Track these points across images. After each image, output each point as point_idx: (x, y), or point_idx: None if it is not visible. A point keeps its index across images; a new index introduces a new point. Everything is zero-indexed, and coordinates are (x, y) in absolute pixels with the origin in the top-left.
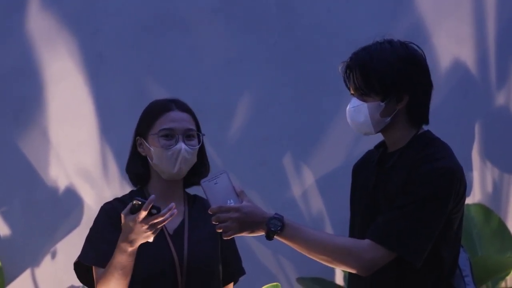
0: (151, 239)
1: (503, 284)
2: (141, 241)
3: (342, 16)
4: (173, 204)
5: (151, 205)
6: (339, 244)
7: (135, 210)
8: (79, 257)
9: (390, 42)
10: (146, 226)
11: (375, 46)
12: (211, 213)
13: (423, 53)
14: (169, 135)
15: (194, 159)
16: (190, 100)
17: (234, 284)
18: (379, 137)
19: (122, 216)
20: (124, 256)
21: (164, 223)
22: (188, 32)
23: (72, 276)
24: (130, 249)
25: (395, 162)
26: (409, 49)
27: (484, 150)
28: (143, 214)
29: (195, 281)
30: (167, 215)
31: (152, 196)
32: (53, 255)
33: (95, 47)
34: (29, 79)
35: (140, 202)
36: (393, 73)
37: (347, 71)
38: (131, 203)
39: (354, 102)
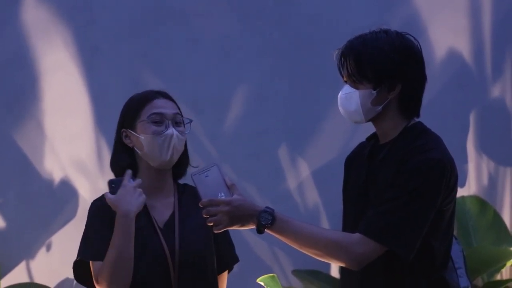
0: (141, 205)
1: (498, 276)
2: (135, 207)
3: (338, 7)
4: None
5: (129, 176)
6: (329, 238)
7: (116, 189)
8: (79, 255)
9: (386, 31)
10: (133, 186)
11: (370, 34)
12: (201, 206)
13: (419, 45)
14: (159, 121)
15: (183, 147)
16: (185, 92)
17: (229, 272)
18: (374, 129)
19: (110, 199)
20: (129, 231)
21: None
22: (184, 23)
23: (68, 268)
24: (128, 219)
25: (385, 154)
26: (405, 39)
27: (480, 142)
28: (128, 177)
29: (188, 273)
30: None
31: (129, 171)
32: (48, 248)
33: (90, 39)
34: (24, 70)
35: (116, 181)
36: (386, 61)
37: (342, 58)
38: (110, 184)
39: (346, 89)
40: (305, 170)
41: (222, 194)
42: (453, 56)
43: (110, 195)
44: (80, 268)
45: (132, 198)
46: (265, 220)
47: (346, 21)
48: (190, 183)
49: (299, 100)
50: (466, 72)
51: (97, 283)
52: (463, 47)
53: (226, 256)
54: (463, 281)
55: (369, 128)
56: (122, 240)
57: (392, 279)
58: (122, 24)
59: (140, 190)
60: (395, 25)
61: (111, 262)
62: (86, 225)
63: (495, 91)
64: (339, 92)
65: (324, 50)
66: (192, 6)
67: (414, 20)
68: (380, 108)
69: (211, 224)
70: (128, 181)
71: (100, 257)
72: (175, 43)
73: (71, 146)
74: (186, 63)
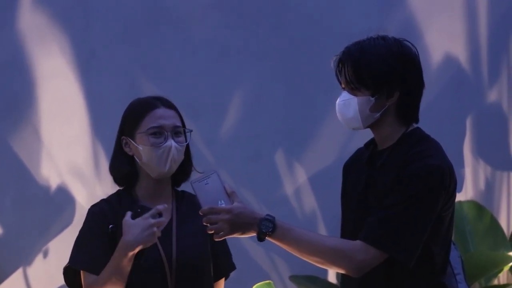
0: (147, 244)
1: (495, 281)
2: (145, 241)
3: (335, 12)
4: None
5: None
6: (330, 245)
7: (138, 216)
8: (70, 261)
9: (384, 38)
10: (152, 223)
11: (368, 41)
12: (202, 214)
13: (417, 51)
14: (158, 132)
15: (182, 156)
16: (182, 96)
17: (225, 280)
18: (372, 134)
19: (127, 220)
20: (124, 260)
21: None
22: (180, 27)
23: None
24: (130, 253)
25: (384, 160)
26: (403, 46)
27: (476, 146)
28: (150, 214)
29: (185, 280)
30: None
31: (162, 206)
32: (45, 254)
33: (87, 44)
34: (20, 76)
35: (143, 209)
36: (384, 68)
37: (339, 65)
38: (134, 212)
39: (344, 95)
40: (302, 175)
41: (222, 201)
42: (450, 61)
43: (128, 218)
44: (71, 273)
45: (142, 233)
46: (266, 228)
47: (344, 25)
48: (190, 190)
49: (296, 104)
50: (463, 77)
51: None
52: (460, 51)
53: (223, 264)
54: (462, 287)
55: (367, 134)
56: (114, 266)
57: (392, 285)
58: (119, 29)
59: (155, 230)
60: (392, 30)
61: (104, 281)
62: (81, 231)
63: (492, 96)
64: (336, 97)
65: (321, 53)
66: (188, 10)
67: (410, 25)
68: (378, 115)
69: (212, 232)
70: (151, 216)
71: (90, 267)
72: (172, 47)
73: (68, 152)
74: (183, 67)
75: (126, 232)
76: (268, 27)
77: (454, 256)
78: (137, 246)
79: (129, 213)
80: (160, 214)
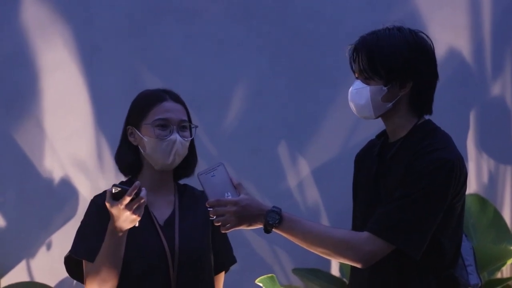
0: (137, 223)
1: (498, 274)
2: (129, 225)
3: (336, 5)
4: (138, 183)
5: (135, 190)
6: (338, 237)
7: (118, 197)
8: (71, 251)
9: (399, 28)
10: (131, 211)
11: (383, 31)
12: (208, 206)
13: (432, 44)
14: (164, 125)
15: (186, 151)
16: (184, 89)
17: (225, 273)
18: (376, 127)
19: (107, 205)
20: (114, 241)
21: (144, 203)
22: (183, 21)
23: None
24: (120, 234)
25: (395, 152)
26: (418, 37)
27: (480, 140)
28: (127, 200)
29: (187, 272)
30: (143, 193)
31: (137, 183)
32: (48, 247)
33: (90, 37)
34: (23, 69)
35: (119, 189)
36: (398, 58)
37: (354, 54)
38: (110, 190)
39: (357, 84)
40: (305, 168)
41: (229, 193)
42: (453, 54)
43: (114, 202)
44: (72, 262)
45: (125, 221)
46: (272, 220)
47: (345, 18)
48: (194, 184)
49: (298, 97)
50: (466, 70)
51: (85, 283)
52: (463, 45)
53: (224, 257)
54: (473, 278)
55: (370, 127)
56: (107, 250)
57: (402, 277)
58: (121, 22)
59: (133, 216)
60: (395, 23)
61: (99, 265)
62: (83, 221)
63: (495, 89)
64: (339, 90)
65: (323, 47)
66: (190, 4)
67: (413, 18)
68: (390, 105)
69: (219, 224)
70: (128, 194)
71: (90, 257)
72: (173, 40)
73: (71, 144)
74: (185, 61)
75: (116, 218)
76: (270, 20)
77: (466, 247)
78: (126, 228)
79: (112, 200)
80: (138, 192)
